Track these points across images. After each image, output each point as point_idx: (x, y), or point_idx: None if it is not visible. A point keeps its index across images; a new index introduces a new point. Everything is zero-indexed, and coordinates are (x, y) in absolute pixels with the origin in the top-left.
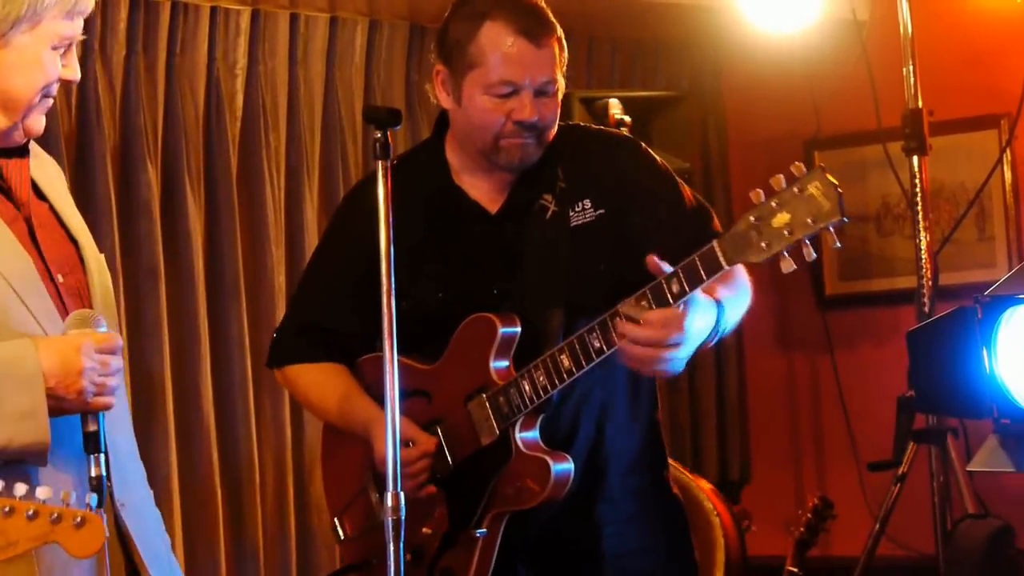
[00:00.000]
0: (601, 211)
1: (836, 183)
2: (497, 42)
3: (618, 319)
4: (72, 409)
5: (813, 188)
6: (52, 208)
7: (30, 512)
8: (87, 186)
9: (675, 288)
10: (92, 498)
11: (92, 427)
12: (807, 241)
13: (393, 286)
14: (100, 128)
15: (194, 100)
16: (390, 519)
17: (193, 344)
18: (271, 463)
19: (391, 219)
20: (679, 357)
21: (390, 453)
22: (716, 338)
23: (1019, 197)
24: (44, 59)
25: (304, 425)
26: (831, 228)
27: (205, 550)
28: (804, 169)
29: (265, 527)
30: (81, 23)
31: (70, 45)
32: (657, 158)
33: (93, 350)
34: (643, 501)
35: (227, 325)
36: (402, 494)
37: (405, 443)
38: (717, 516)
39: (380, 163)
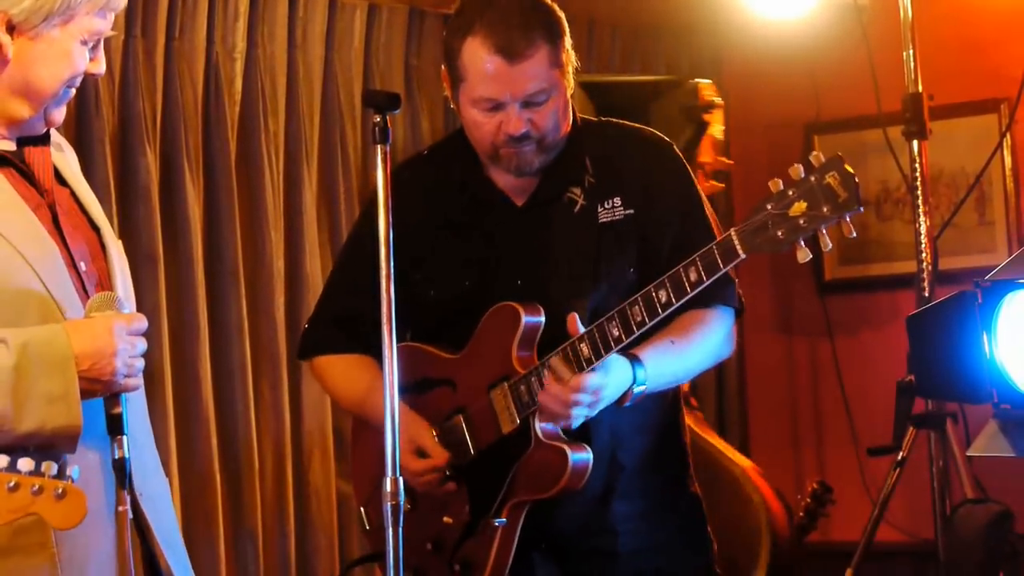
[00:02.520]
0: (631, 211)
1: (853, 172)
2: (475, 60)
3: (544, 371)
4: (104, 391)
5: (831, 177)
6: (73, 194)
7: (11, 484)
8: (86, 171)
9: (693, 276)
10: (75, 470)
11: (116, 409)
12: (823, 230)
13: (392, 272)
14: (98, 113)
15: (193, 84)
16: (388, 504)
17: (192, 329)
18: (270, 448)
19: (415, 207)
20: (589, 415)
21: (389, 439)
22: (641, 393)
23: (1019, 182)
24: (73, 53)
25: (303, 410)
26: (848, 217)
27: (204, 534)
28: (822, 158)
29: (264, 512)
30: (112, 18)
31: (99, 40)
32: (688, 170)
33: (125, 331)
34: (659, 499)
35: (226, 310)
36: (401, 479)
37: (419, 452)
38: (765, 508)
39: (379, 148)
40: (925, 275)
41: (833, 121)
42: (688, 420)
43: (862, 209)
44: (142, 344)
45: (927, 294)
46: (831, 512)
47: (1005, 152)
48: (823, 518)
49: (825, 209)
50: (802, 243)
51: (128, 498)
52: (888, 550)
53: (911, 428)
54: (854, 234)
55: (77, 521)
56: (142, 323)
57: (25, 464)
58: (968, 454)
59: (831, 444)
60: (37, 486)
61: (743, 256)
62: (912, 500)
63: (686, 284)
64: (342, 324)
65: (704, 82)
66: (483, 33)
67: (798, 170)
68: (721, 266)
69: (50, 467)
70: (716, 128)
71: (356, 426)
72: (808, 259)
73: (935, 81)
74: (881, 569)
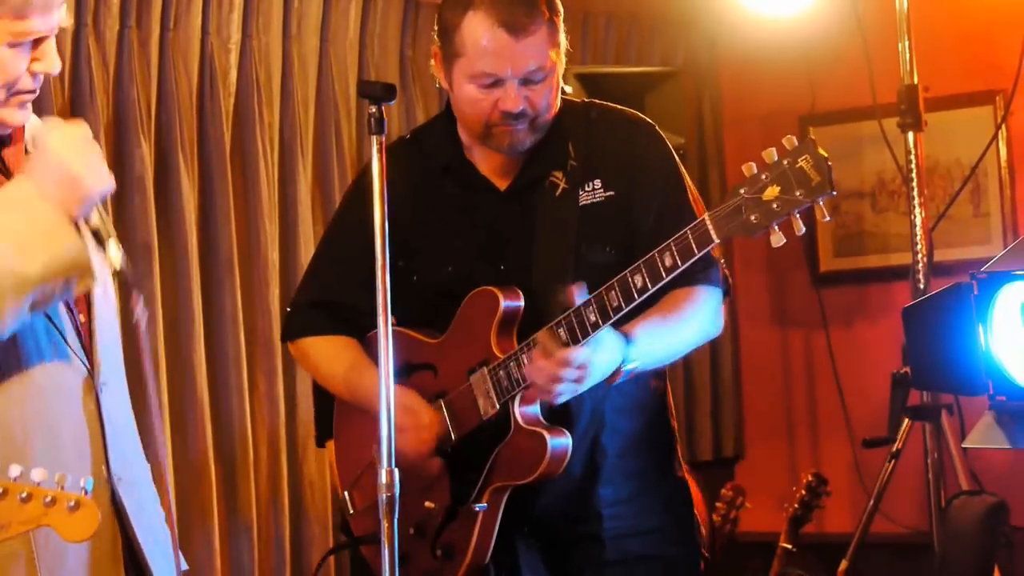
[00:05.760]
0: (611, 193)
1: (826, 156)
2: (477, 34)
3: (534, 346)
4: (81, 202)
5: (803, 161)
6: None
7: (23, 495)
8: None
9: (667, 261)
10: (87, 482)
11: (93, 220)
12: (797, 214)
13: (388, 261)
14: (93, 104)
15: (188, 75)
16: (384, 495)
17: (186, 319)
18: (264, 438)
19: (398, 192)
20: (577, 391)
21: (384, 431)
22: (632, 371)
23: (1014, 173)
24: (1, 58)
25: (297, 401)
26: (820, 201)
27: (199, 525)
28: (795, 142)
29: (258, 502)
30: (49, 18)
31: (40, 39)
32: (671, 152)
33: (73, 141)
34: (644, 483)
35: (221, 300)
36: (396, 471)
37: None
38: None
39: (375, 138)
40: (921, 267)
41: (828, 113)
42: None
43: (835, 193)
44: (96, 148)
45: (922, 286)
46: (826, 504)
47: (1000, 144)
48: (818, 510)
49: (798, 193)
50: (776, 227)
51: (141, 298)
52: (883, 542)
53: (906, 420)
54: (827, 218)
55: (90, 534)
56: (85, 128)
57: (38, 474)
58: (964, 446)
59: (826, 436)
60: (50, 497)
61: (717, 241)
62: (907, 492)
63: (661, 269)
64: (325, 306)
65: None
66: (486, 7)
67: (771, 154)
68: (695, 251)
69: (63, 478)
70: None
71: (339, 410)
72: (782, 243)
73: (930, 73)
74: (876, 561)
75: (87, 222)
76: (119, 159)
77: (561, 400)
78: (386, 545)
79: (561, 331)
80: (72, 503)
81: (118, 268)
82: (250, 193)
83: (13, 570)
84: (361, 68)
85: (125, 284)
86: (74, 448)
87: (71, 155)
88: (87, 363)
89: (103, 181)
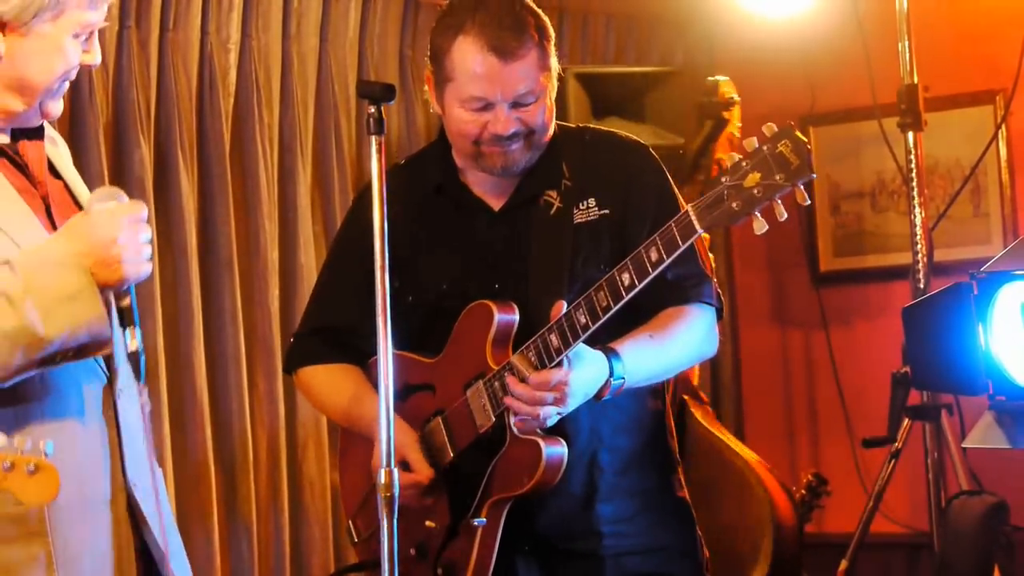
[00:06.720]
0: (606, 211)
1: (805, 140)
2: (467, 59)
3: (507, 373)
4: (116, 281)
5: (783, 146)
6: (66, 186)
7: None
8: (81, 162)
9: (653, 256)
10: (47, 445)
11: (125, 301)
12: (779, 199)
13: (387, 262)
14: (93, 104)
15: (187, 76)
16: (381, 496)
17: (186, 320)
18: (264, 439)
19: (393, 214)
20: (562, 411)
21: (384, 431)
22: (620, 385)
23: (1014, 173)
24: (65, 47)
25: (297, 401)
26: (800, 185)
27: (198, 526)
28: (775, 128)
29: (258, 503)
30: (105, 9)
31: (92, 32)
32: (664, 170)
33: (124, 219)
34: (645, 502)
35: (220, 300)
36: (395, 470)
37: (403, 465)
38: (768, 501)
39: (374, 138)
40: (921, 267)
41: (828, 112)
42: (697, 413)
43: (815, 176)
44: (146, 232)
45: (922, 286)
46: (826, 504)
47: (1000, 143)
48: (818, 510)
49: (778, 177)
50: (758, 214)
51: (146, 390)
52: (883, 542)
53: (906, 420)
54: (808, 201)
55: (49, 498)
56: (141, 210)
57: None
58: (964, 446)
59: (826, 436)
60: (9, 462)
61: (700, 231)
62: (907, 492)
63: (647, 265)
64: (325, 334)
65: (723, 79)
66: (475, 32)
67: (752, 142)
68: (680, 243)
69: (23, 442)
70: (734, 125)
71: (344, 439)
72: (764, 230)
73: (930, 72)
74: (876, 561)
75: (118, 300)
76: (119, 159)
77: (551, 423)
78: (386, 545)
79: (553, 337)
80: (31, 467)
81: (131, 351)
82: (250, 193)
83: (32, 572)
84: (361, 68)
85: (137, 370)
86: (93, 453)
87: (118, 233)
88: (107, 371)
89: (141, 268)
